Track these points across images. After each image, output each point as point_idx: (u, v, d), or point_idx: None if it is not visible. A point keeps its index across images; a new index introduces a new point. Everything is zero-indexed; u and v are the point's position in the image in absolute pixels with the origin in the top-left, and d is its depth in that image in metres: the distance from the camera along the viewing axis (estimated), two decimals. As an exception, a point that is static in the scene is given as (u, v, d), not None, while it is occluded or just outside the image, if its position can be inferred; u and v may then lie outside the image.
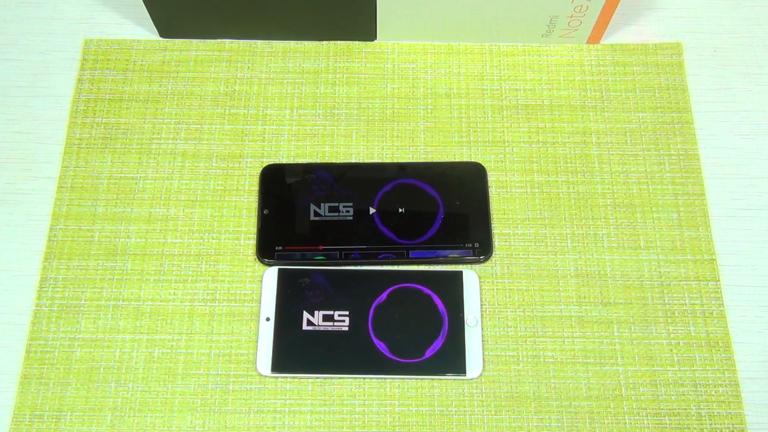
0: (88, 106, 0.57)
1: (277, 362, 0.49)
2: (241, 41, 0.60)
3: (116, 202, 0.54)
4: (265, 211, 0.53)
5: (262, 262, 0.52)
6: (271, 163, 0.55)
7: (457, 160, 0.56)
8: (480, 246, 0.53)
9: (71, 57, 0.59)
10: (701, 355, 0.51)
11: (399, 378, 0.50)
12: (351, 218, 0.53)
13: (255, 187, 0.55)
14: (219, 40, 0.60)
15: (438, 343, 0.50)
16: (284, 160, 0.56)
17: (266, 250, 0.52)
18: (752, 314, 0.52)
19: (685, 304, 0.52)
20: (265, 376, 0.50)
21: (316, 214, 0.53)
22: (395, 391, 0.50)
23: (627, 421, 0.49)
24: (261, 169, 0.55)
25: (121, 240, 0.53)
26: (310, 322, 0.50)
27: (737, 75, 0.59)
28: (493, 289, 0.52)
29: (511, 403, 0.49)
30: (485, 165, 0.56)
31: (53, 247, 0.53)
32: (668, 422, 0.49)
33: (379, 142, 0.57)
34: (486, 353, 0.50)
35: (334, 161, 0.56)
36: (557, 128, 0.57)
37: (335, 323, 0.50)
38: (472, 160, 0.56)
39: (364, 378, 0.50)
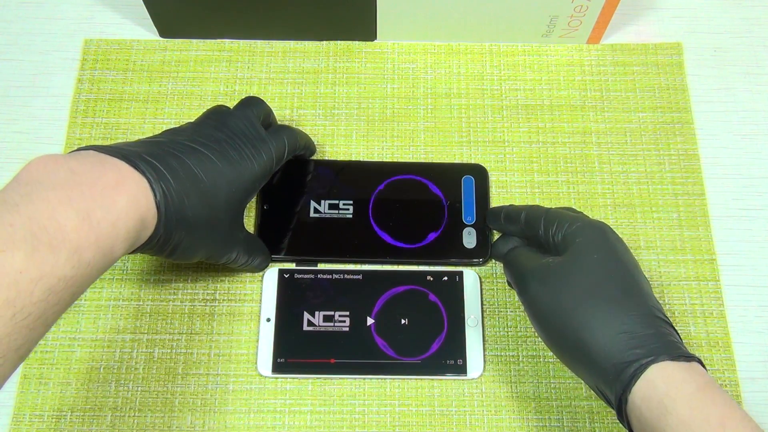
0: (88, 106, 0.57)
1: (278, 363, 0.49)
2: (241, 41, 0.60)
3: (116, 202, 0.54)
4: (265, 207, 0.53)
5: (262, 261, 0.52)
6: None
7: (457, 160, 0.56)
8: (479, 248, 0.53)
9: (71, 57, 0.59)
10: (701, 355, 0.50)
11: (399, 378, 0.50)
12: (350, 216, 0.53)
13: (255, 187, 0.55)
14: (219, 40, 0.60)
15: (438, 343, 0.50)
16: (284, 160, 0.56)
17: (265, 245, 0.52)
18: (752, 314, 0.52)
19: (685, 304, 0.52)
20: (266, 377, 0.50)
21: (316, 211, 0.53)
22: (395, 391, 0.50)
23: (627, 421, 0.49)
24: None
25: (121, 240, 0.53)
26: (310, 323, 0.50)
27: (737, 75, 0.59)
28: (493, 289, 0.52)
29: (511, 403, 0.49)
30: (485, 165, 0.56)
31: (53, 247, 0.53)
32: (668, 422, 0.49)
33: (379, 142, 0.57)
34: (486, 353, 0.50)
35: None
36: (557, 128, 0.57)
37: (336, 323, 0.50)
38: (473, 161, 0.56)
39: (365, 378, 0.50)
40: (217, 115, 0.47)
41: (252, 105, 0.49)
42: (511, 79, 0.59)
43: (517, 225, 0.49)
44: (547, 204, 0.54)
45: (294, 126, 0.52)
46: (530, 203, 0.54)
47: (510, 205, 0.51)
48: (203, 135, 0.44)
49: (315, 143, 0.55)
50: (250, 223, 0.54)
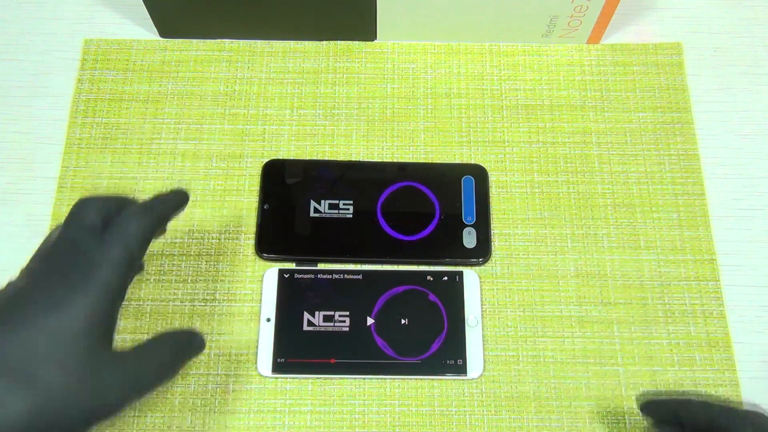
0: (88, 106, 0.57)
1: (278, 363, 0.49)
2: (241, 41, 0.60)
3: (116, 202, 0.54)
4: (266, 206, 0.54)
5: (261, 257, 0.52)
6: (274, 158, 0.55)
7: (457, 160, 0.56)
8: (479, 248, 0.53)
9: (71, 57, 0.59)
10: (701, 355, 0.51)
11: (399, 378, 0.50)
12: (351, 216, 0.53)
13: (255, 187, 0.55)
14: (219, 40, 0.60)
15: (438, 343, 0.50)
16: (284, 160, 0.56)
17: (265, 244, 0.52)
18: (752, 314, 0.52)
19: (685, 304, 0.52)
20: (266, 377, 0.50)
21: (316, 210, 0.53)
22: (395, 391, 0.50)
23: (627, 421, 0.49)
24: (263, 165, 0.55)
25: (121, 240, 0.53)
26: (310, 323, 0.50)
27: (737, 75, 0.59)
28: (493, 289, 0.52)
29: (511, 403, 0.49)
30: (485, 165, 0.56)
31: (53, 247, 0.53)
32: (668, 422, 0.49)
33: (379, 142, 0.57)
34: (486, 353, 0.50)
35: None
36: (557, 128, 0.57)
37: (336, 323, 0.50)
38: (473, 161, 0.56)
39: (365, 378, 0.50)
40: (46, 250, 0.40)
41: (82, 211, 0.40)
42: (511, 79, 0.59)
43: (695, 424, 0.42)
44: (546, 204, 0.54)
45: (157, 194, 0.43)
46: (530, 203, 0.54)
47: (688, 400, 0.45)
48: (23, 296, 0.37)
49: (188, 194, 0.44)
50: (250, 223, 0.54)
